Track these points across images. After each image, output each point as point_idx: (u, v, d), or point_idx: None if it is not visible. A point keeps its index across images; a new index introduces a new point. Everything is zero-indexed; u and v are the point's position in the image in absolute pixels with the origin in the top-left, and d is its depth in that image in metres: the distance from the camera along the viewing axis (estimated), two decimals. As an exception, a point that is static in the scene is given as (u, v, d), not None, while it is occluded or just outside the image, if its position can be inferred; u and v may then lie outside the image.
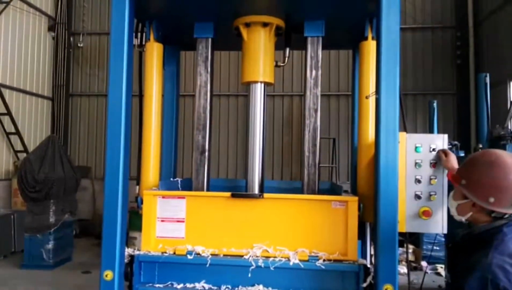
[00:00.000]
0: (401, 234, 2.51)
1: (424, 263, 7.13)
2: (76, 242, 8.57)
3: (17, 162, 8.84)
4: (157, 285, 2.68)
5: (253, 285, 2.60)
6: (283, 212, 2.69)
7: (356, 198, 2.62)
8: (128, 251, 2.70)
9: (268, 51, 2.93)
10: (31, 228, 7.15)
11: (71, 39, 11.25)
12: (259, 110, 2.98)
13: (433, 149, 2.62)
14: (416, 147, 2.62)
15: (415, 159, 2.62)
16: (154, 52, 3.08)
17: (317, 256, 2.57)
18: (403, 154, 2.61)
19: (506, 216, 1.83)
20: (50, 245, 7.17)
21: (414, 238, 7.68)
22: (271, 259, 2.58)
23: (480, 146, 5.80)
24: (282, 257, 2.59)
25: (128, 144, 2.66)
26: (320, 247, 2.64)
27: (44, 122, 10.92)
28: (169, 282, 2.69)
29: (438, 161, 2.61)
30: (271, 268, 2.55)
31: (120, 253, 2.59)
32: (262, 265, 2.56)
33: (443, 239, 6.79)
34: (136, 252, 2.70)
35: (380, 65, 2.41)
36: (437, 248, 7.03)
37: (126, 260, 2.65)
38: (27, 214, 7.26)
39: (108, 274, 2.56)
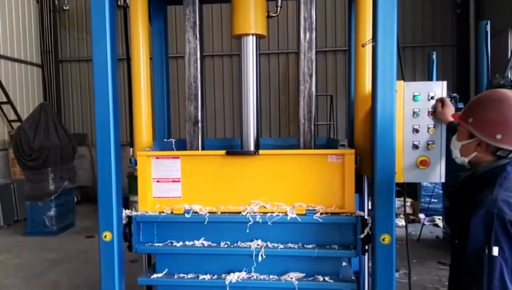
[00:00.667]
0: (398, 184, 2.50)
1: (422, 216, 7.24)
2: (78, 208, 8.66)
3: (11, 132, 8.77)
4: (156, 244, 2.69)
5: (251, 241, 2.61)
6: (279, 168, 2.66)
7: (352, 151, 2.59)
8: (126, 212, 2.69)
9: (259, 1, 2.80)
10: (31, 196, 7.19)
11: (56, 2, 10.88)
12: (252, 64, 2.88)
13: (432, 98, 2.56)
14: (414, 96, 2.55)
15: (413, 108, 2.56)
16: (139, 7, 2.94)
17: (314, 210, 2.57)
18: (400, 104, 2.54)
19: (511, 155, 1.80)
20: (52, 212, 7.23)
21: (410, 190, 7.76)
22: (268, 214, 2.58)
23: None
24: (279, 213, 2.58)
25: (117, 107, 2.58)
26: (317, 201, 2.63)
27: (36, 90, 10.76)
28: (168, 241, 2.71)
29: (435, 111, 2.55)
30: (269, 223, 2.55)
31: (117, 214, 2.57)
32: (260, 220, 2.56)
33: (440, 191, 6.86)
34: (134, 213, 2.69)
35: (377, 9, 2.30)
36: (435, 200, 7.10)
37: (124, 221, 2.65)
38: (26, 183, 7.28)
39: (107, 235, 2.56)
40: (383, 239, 2.41)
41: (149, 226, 2.72)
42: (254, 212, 2.60)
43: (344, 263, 2.88)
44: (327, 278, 2.56)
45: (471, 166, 1.96)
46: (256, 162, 2.68)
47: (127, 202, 7.11)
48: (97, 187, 2.56)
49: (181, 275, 2.68)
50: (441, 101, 2.54)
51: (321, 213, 2.56)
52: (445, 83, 2.60)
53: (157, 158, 2.74)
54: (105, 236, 2.56)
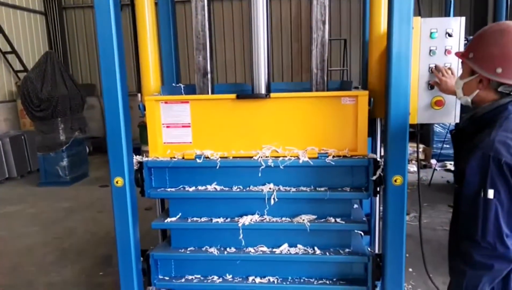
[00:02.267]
0: (411, 126, 2.44)
1: (433, 161, 7.21)
2: (91, 159, 8.78)
3: (18, 82, 8.73)
4: (168, 189, 2.71)
5: (263, 185, 2.61)
6: (291, 112, 2.61)
7: (366, 92, 2.51)
8: (137, 158, 2.69)
9: None
10: (43, 146, 7.27)
11: None
12: (262, 8, 2.73)
13: (449, 35, 2.43)
14: (431, 33, 2.43)
15: (429, 46, 2.45)
16: None
17: (326, 153, 2.54)
18: (416, 42, 2.44)
19: None
20: (64, 163, 7.33)
21: (423, 134, 7.67)
22: (280, 158, 2.56)
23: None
24: (291, 156, 2.56)
25: (123, 53, 2.50)
26: (329, 144, 2.60)
27: (40, 39, 10.59)
28: (181, 186, 2.72)
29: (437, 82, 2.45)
30: (281, 167, 2.54)
31: (128, 160, 2.58)
32: (272, 164, 2.54)
33: (453, 136, 6.79)
34: (145, 159, 2.69)
35: None
36: (447, 146, 7.04)
37: (135, 167, 2.65)
38: (36, 134, 7.33)
39: (119, 181, 2.57)
40: (395, 181, 2.39)
41: (160, 171, 2.73)
42: (266, 157, 2.59)
43: (355, 206, 2.89)
44: (338, 220, 2.58)
45: (474, 107, 1.87)
46: (267, 106, 2.62)
47: (139, 151, 7.20)
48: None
49: (195, 219, 2.72)
50: (438, 70, 2.43)
51: (333, 156, 2.53)
52: (463, 19, 2.46)
53: (166, 102, 2.69)
54: (116, 182, 2.58)
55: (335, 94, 2.59)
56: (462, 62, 1.93)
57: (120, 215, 2.60)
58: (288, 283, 2.64)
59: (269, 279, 2.67)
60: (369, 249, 2.82)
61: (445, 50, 2.45)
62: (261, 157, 2.58)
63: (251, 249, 2.66)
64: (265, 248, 2.66)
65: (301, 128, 2.61)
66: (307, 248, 2.64)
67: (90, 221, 5.47)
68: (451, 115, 2.48)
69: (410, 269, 3.60)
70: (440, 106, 2.49)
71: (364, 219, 2.65)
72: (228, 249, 2.69)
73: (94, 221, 5.45)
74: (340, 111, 2.56)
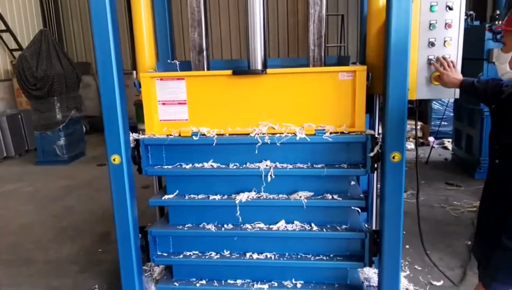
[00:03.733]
0: (410, 102, 2.41)
1: (431, 139, 7.21)
2: (88, 138, 8.74)
3: (14, 61, 8.61)
4: (165, 167, 2.70)
5: (260, 162, 2.61)
6: (288, 88, 2.58)
7: (364, 67, 2.48)
8: (133, 135, 2.67)
9: None
10: (39, 125, 7.22)
11: None
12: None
13: (450, 8, 2.38)
14: (431, 6, 2.37)
15: (429, 19, 2.39)
16: None
17: (323, 130, 2.52)
18: (416, 15, 2.38)
19: None
20: (61, 141, 7.30)
21: (421, 111, 7.63)
22: (277, 135, 2.55)
23: (498, 12, 5.43)
24: (288, 133, 2.55)
25: (117, 28, 2.47)
26: (327, 121, 2.59)
27: (35, 17, 10.40)
28: (178, 164, 2.72)
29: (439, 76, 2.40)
30: (278, 144, 2.53)
31: (124, 137, 2.56)
32: (269, 141, 2.53)
33: (451, 114, 6.77)
34: (141, 136, 2.67)
35: None
36: (445, 123, 7.04)
37: (132, 145, 2.64)
38: (33, 113, 7.27)
39: (116, 158, 2.56)
40: (393, 157, 2.38)
41: (157, 149, 2.72)
42: (263, 133, 2.57)
43: (352, 182, 2.89)
44: (335, 196, 2.58)
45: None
46: (264, 82, 2.59)
47: (135, 130, 7.17)
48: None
49: (192, 196, 2.72)
50: (439, 62, 2.37)
51: (331, 133, 2.52)
52: (464, -9, 2.40)
53: (161, 79, 2.66)
54: (113, 159, 2.57)
55: (333, 69, 2.56)
56: (502, 36, 1.87)
57: (117, 193, 2.60)
58: (285, 259, 2.67)
59: (266, 255, 2.70)
60: (366, 225, 2.84)
61: (446, 24, 2.41)
62: (258, 134, 2.57)
63: (248, 226, 2.67)
64: (262, 225, 2.67)
65: (298, 105, 2.59)
66: (304, 224, 2.66)
67: (88, 200, 5.48)
68: (450, 91, 2.45)
69: (407, 246, 3.63)
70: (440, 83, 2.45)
71: (361, 195, 2.65)
72: (225, 225, 2.71)
73: (92, 200, 5.46)
74: (338, 86, 2.53)
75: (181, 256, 2.76)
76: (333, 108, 2.56)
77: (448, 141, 7.11)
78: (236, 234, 2.68)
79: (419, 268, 3.41)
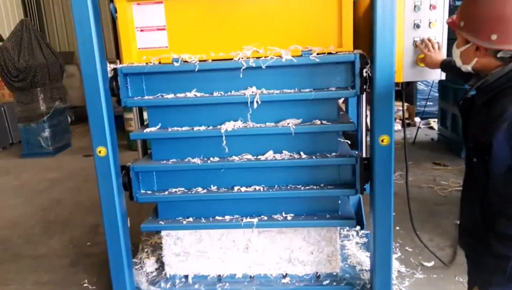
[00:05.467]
0: (397, 84, 2.40)
1: (417, 119, 7.25)
2: (73, 129, 8.62)
3: (-6, 52, 8.38)
4: (146, 98, 2.58)
5: (245, 89, 2.50)
6: (272, 7, 2.47)
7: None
8: (111, 66, 2.54)
9: None
10: (23, 117, 7.09)
11: None
12: None
13: (435, -11, 2.35)
14: (416, -15, 2.34)
15: (414, 1, 2.37)
16: None
17: (310, 51, 2.41)
18: (401, -4, 2.35)
19: None
20: (46, 133, 7.18)
21: (407, 93, 7.67)
22: (262, 58, 2.43)
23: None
24: (274, 56, 2.42)
25: (99, 18, 2.39)
26: (313, 42, 2.47)
27: (15, 7, 10.12)
28: (159, 94, 2.59)
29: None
30: (263, 68, 2.41)
31: (109, 129, 2.51)
32: (253, 65, 2.41)
33: (436, 94, 6.80)
34: (119, 65, 2.53)
35: None
36: (431, 103, 7.07)
37: (109, 75, 2.50)
38: (16, 105, 7.13)
39: (101, 151, 2.52)
40: (382, 140, 2.37)
41: (136, 79, 2.58)
42: (247, 57, 2.44)
43: (341, 112, 2.85)
44: (324, 122, 2.51)
45: (478, 74, 1.71)
46: (246, 2, 2.46)
47: (121, 119, 7.05)
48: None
49: (175, 128, 2.61)
50: (424, 43, 2.38)
51: (318, 54, 2.41)
52: (450, -29, 2.38)
53: (138, 4, 2.51)
54: (99, 152, 2.52)
55: (318, -15, 2.42)
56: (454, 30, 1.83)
57: (104, 185, 2.56)
58: (274, 190, 2.59)
59: (255, 188, 2.60)
60: (356, 152, 2.75)
61: (430, 5, 2.38)
62: (242, 58, 2.43)
63: (235, 158, 2.56)
64: (249, 156, 2.57)
65: (283, 26, 2.48)
66: (293, 154, 2.57)
67: (75, 191, 5.42)
68: (436, 72, 2.44)
69: (397, 227, 3.66)
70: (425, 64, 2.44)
71: (351, 120, 2.61)
72: (211, 159, 2.60)
73: (79, 191, 5.40)
74: (324, 5, 2.43)
75: (166, 193, 2.65)
76: (319, 28, 2.45)
77: (434, 121, 7.16)
78: (222, 166, 2.56)
79: (410, 250, 3.45)
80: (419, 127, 6.74)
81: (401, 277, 3.09)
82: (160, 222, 2.70)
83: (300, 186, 2.59)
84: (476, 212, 1.66)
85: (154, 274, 2.94)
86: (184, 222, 2.67)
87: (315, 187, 2.57)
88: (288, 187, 2.60)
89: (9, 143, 8.08)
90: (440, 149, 6.10)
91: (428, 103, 6.95)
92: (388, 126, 2.37)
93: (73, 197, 5.19)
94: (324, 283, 2.73)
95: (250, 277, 2.81)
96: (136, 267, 2.94)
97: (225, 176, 2.61)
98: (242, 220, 2.60)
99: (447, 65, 2.24)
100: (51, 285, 3.28)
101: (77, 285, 3.24)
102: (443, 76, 2.46)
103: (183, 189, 2.66)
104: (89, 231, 4.19)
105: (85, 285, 3.23)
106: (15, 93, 7.02)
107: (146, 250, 3.22)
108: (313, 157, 2.53)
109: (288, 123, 2.48)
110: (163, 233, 2.80)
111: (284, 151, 2.58)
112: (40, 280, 3.36)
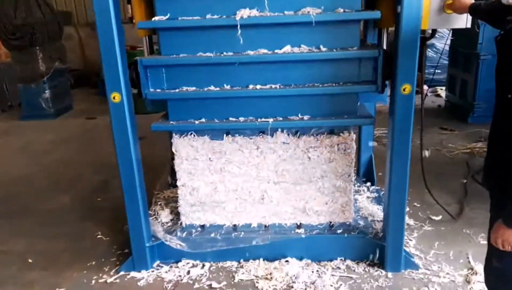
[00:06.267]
0: (421, 32, 2.34)
1: (425, 87, 7.18)
2: (73, 93, 8.46)
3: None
4: None
5: None
6: None
7: None
8: None
9: None
10: (23, 78, 6.91)
11: None
12: None
13: None
14: None
15: None
16: None
17: None
18: None
19: None
20: (47, 94, 7.04)
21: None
22: None
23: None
24: None
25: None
26: None
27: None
28: None
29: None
30: None
31: (123, 74, 2.43)
32: None
33: (446, 62, 6.72)
34: None
35: None
36: (439, 71, 6.99)
37: None
38: (14, 65, 6.95)
39: (116, 96, 2.46)
40: (404, 89, 2.34)
41: None
42: None
43: None
44: (347, 10, 2.39)
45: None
46: None
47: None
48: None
49: (185, 18, 2.44)
50: None
51: None
52: None
53: None
54: (113, 97, 2.47)
55: None
56: None
57: (119, 132, 2.52)
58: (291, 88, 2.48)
59: (270, 87, 2.49)
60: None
61: (444, 5, 2.33)
62: None
63: (250, 52, 2.45)
64: (265, 50, 2.45)
65: None
66: (312, 48, 2.45)
67: (81, 151, 5.36)
68: (462, 20, 2.39)
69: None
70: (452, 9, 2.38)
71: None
72: (225, 53, 2.47)
73: (85, 151, 5.34)
74: None
75: (177, 90, 2.53)
76: None
77: (441, 89, 7.11)
78: (237, 60, 2.41)
79: (418, 205, 3.49)
80: (426, 95, 6.69)
81: (410, 229, 3.14)
82: (171, 122, 2.61)
83: (318, 84, 2.47)
84: (505, 149, 1.65)
85: (169, 224, 2.95)
86: (197, 122, 2.58)
87: (334, 84, 2.46)
88: (306, 86, 2.48)
89: (8, 105, 7.93)
90: (447, 115, 6.09)
91: (437, 70, 6.86)
92: (411, 75, 2.33)
93: (79, 157, 5.14)
94: (338, 231, 2.76)
95: (265, 226, 2.82)
96: (151, 218, 2.94)
97: (239, 74, 2.47)
98: (257, 120, 2.53)
99: (476, 8, 2.20)
100: (64, 238, 3.28)
101: (90, 237, 3.25)
102: (468, 23, 2.41)
103: (194, 89, 2.53)
104: (99, 187, 4.17)
105: (98, 236, 3.24)
106: (13, 52, 6.83)
107: (159, 203, 3.22)
108: (333, 50, 2.42)
109: (308, 11, 2.35)
110: (179, 183, 2.78)
111: (302, 46, 2.45)
112: (52, 233, 3.37)
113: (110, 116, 2.50)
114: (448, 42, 6.17)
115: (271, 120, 2.51)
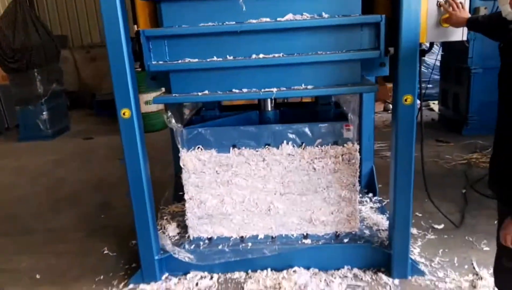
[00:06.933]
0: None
1: (418, 101, 7.33)
2: (69, 114, 8.49)
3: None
4: None
5: None
6: None
7: None
8: None
9: None
10: (20, 100, 6.98)
11: None
12: None
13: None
14: None
15: (438, -39, 2.41)
16: None
17: None
18: (426, -44, 2.39)
19: None
20: (44, 116, 7.08)
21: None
22: None
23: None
24: None
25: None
26: None
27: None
28: None
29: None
30: None
31: (133, 91, 2.50)
32: None
33: (437, 77, 6.89)
34: None
35: None
36: (431, 85, 7.17)
37: None
38: (12, 87, 7.00)
39: (126, 112, 2.52)
40: (406, 100, 2.43)
41: None
42: None
43: None
44: None
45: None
46: None
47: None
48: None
49: None
50: (448, 3, 2.40)
51: None
52: None
53: None
54: (123, 114, 2.52)
55: None
56: None
57: (129, 147, 2.57)
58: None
59: (273, 56, 2.47)
60: None
61: (440, 20, 2.43)
62: None
63: (252, 21, 2.45)
64: (267, 19, 2.45)
65: None
66: (314, 15, 2.45)
67: (80, 171, 5.38)
68: (459, 32, 2.49)
69: (407, 196, 3.73)
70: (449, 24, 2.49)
71: None
72: (226, 23, 2.47)
73: (84, 171, 5.35)
74: None
75: (180, 61, 2.51)
76: None
77: (433, 103, 7.27)
78: (239, 29, 2.40)
79: (420, 215, 3.54)
80: (420, 108, 6.83)
81: (414, 238, 3.18)
82: (174, 95, 2.58)
83: (321, 52, 2.47)
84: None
85: (177, 237, 2.97)
86: (200, 94, 2.56)
87: (337, 52, 2.45)
88: (308, 54, 2.48)
89: (5, 127, 7.94)
90: (441, 128, 6.21)
91: (429, 85, 7.03)
92: (412, 86, 2.42)
93: (78, 177, 5.14)
94: (344, 241, 2.80)
95: (272, 237, 2.85)
96: (158, 232, 2.95)
97: (241, 44, 2.46)
98: (260, 91, 2.52)
99: (473, 22, 2.29)
100: (70, 254, 3.28)
101: (97, 253, 3.25)
102: (464, 36, 2.51)
103: (197, 60, 2.50)
104: (100, 207, 4.17)
105: (105, 252, 3.24)
106: (11, 74, 6.90)
107: (165, 217, 3.24)
108: (336, 16, 2.43)
109: None
110: (186, 196, 2.81)
111: (304, 14, 2.45)
112: (58, 250, 3.36)
113: (120, 132, 2.55)
114: (439, 57, 6.35)
115: (274, 89, 2.50)
